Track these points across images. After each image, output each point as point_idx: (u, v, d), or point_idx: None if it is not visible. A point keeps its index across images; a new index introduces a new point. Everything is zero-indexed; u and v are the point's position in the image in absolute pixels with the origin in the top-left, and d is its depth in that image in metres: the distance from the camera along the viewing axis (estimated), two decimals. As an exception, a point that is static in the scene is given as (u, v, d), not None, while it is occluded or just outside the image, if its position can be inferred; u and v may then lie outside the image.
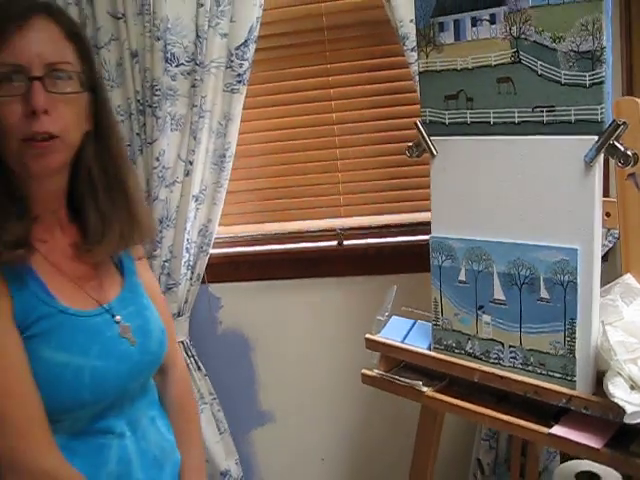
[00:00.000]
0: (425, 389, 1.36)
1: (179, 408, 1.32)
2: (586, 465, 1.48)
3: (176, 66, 1.81)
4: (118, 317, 1.16)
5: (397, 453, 2.07)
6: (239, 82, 1.82)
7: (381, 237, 2.05)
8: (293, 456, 2.24)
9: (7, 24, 1.00)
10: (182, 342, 2.01)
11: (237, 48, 1.79)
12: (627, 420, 1.05)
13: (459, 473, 2.03)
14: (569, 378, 1.19)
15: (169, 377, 1.35)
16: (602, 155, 1.12)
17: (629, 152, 1.09)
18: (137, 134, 1.86)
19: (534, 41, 1.15)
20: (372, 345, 1.47)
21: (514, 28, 1.16)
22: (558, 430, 1.17)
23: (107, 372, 1.10)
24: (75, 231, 1.19)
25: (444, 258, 1.33)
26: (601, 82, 1.09)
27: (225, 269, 2.11)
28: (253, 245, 2.13)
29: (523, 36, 1.16)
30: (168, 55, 1.80)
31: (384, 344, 1.44)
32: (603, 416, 1.14)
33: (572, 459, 1.53)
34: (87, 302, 1.13)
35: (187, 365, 2.01)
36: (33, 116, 1.01)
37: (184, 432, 1.30)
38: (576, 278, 1.15)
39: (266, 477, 2.28)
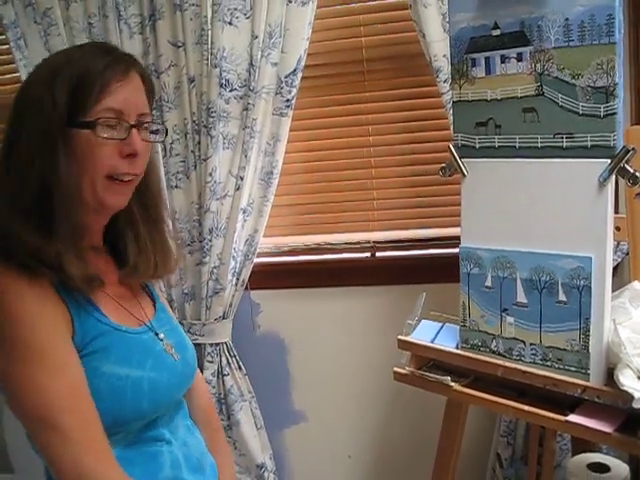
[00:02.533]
0: (453, 384, 1.47)
1: (206, 419, 1.36)
2: (596, 457, 1.57)
3: (230, 91, 1.96)
4: (162, 335, 1.20)
5: (419, 451, 2.15)
6: (287, 107, 1.95)
7: (411, 250, 2.15)
8: (322, 453, 2.32)
9: (113, 75, 1.07)
10: (225, 343, 2.14)
11: (286, 76, 1.93)
12: (635, 405, 1.17)
13: (479, 467, 2.11)
14: (583, 371, 1.29)
15: (195, 390, 1.37)
16: (614, 176, 1.24)
17: (637, 174, 1.22)
18: (192, 151, 2.01)
19: (556, 77, 1.27)
20: (404, 345, 1.56)
21: (538, 65, 1.29)
22: (574, 418, 1.29)
23: (161, 383, 1.13)
24: (110, 260, 1.23)
25: (472, 266, 1.43)
26: (614, 113, 1.22)
27: (265, 277, 2.21)
28: (292, 255, 2.25)
29: (546, 72, 1.28)
30: (223, 81, 1.95)
31: (415, 344, 1.54)
32: (614, 404, 1.26)
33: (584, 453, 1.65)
34: (132, 321, 1.16)
35: (229, 365, 2.15)
36: (129, 158, 1.09)
37: (215, 441, 1.33)
38: (590, 283, 1.26)
39: (296, 472, 2.36)
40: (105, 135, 1.06)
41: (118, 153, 1.08)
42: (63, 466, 1.00)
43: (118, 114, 1.07)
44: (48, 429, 0.99)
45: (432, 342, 1.54)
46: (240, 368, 2.18)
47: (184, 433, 1.22)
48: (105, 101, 1.06)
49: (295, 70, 1.93)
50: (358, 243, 2.20)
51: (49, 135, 1.03)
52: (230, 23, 1.92)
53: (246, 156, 1.97)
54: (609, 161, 1.24)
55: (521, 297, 1.38)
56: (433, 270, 2.07)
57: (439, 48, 1.81)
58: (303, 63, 1.94)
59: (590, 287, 1.27)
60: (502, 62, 1.35)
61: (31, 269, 1.02)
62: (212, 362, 2.14)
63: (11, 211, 1.04)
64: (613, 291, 1.34)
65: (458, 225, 1.48)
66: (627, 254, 1.50)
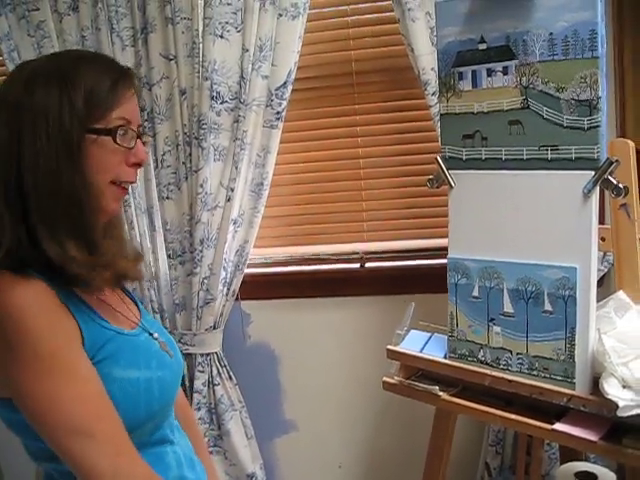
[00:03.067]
0: (441, 394, 1.48)
1: (183, 415, 1.35)
2: (584, 466, 1.60)
3: (221, 103, 1.98)
4: (156, 334, 1.21)
5: (409, 460, 2.16)
6: (277, 119, 1.97)
7: (400, 260, 2.17)
8: (312, 462, 2.33)
9: (124, 86, 1.09)
10: (215, 353, 2.15)
11: (277, 89, 1.95)
12: (619, 413, 1.19)
13: (468, 476, 2.11)
14: (569, 380, 1.31)
15: None
16: (598, 188, 1.26)
17: (621, 185, 1.24)
18: (183, 163, 2.03)
19: (541, 90, 1.30)
20: (393, 355, 1.58)
21: (524, 79, 1.32)
22: (560, 426, 1.31)
23: (167, 381, 1.15)
24: None
25: (460, 276, 1.45)
26: (597, 126, 1.24)
27: (256, 287, 2.22)
28: (282, 266, 2.26)
29: (531, 86, 1.31)
30: (214, 93, 1.96)
31: (404, 354, 1.56)
32: (599, 412, 1.28)
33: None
34: (127, 323, 1.16)
35: (220, 374, 2.16)
36: (134, 167, 1.12)
37: (193, 437, 1.33)
38: (576, 293, 1.29)
39: (287, 482, 2.37)
40: (124, 143, 1.08)
41: (124, 161, 1.10)
42: (98, 470, 0.99)
43: (127, 123, 1.09)
44: (83, 437, 0.99)
45: (421, 352, 1.56)
46: (230, 378, 2.18)
47: (177, 431, 1.23)
48: (119, 110, 1.07)
49: (285, 83, 1.95)
50: (348, 254, 2.22)
51: (72, 140, 1.03)
52: (221, 36, 1.94)
53: (237, 168, 1.99)
54: (593, 173, 1.26)
55: (508, 307, 1.40)
56: (422, 280, 2.08)
57: (427, 61, 1.83)
58: (293, 76, 1.96)
59: (575, 297, 1.30)
60: (488, 75, 1.37)
61: (37, 278, 1.01)
62: (203, 372, 2.14)
63: (41, 222, 1.02)
64: (600, 301, 1.36)
65: (446, 236, 1.49)
66: (613, 264, 1.52)
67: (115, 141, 1.07)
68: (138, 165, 1.13)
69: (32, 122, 1.02)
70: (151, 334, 1.20)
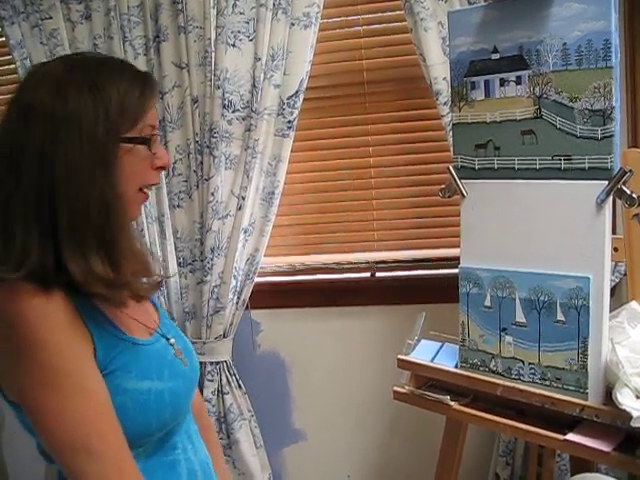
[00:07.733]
0: (452, 403, 1.49)
1: (199, 418, 1.34)
2: (595, 477, 1.58)
3: (233, 112, 1.99)
4: (172, 340, 1.20)
5: (418, 470, 2.16)
6: (289, 128, 1.98)
7: (411, 270, 2.17)
8: (321, 472, 2.32)
9: (152, 93, 1.10)
10: (225, 361, 2.15)
11: (289, 98, 1.95)
12: (634, 424, 1.19)
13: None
14: (582, 390, 1.31)
15: None
16: (611, 197, 1.26)
17: (634, 195, 1.25)
18: (194, 171, 2.03)
19: (554, 100, 1.30)
20: (404, 365, 1.58)
21: (537, 88, 1.32)
22: (572, 437, 1.31)
23: (179, 391, 1.14)
24: None
25: (471, 286, 1.46)
26: (611, 136, 1.25)
27: (266, 296, 2.23)
28: (292, 275, 2.26)
29: (544, 96, 1.32)
30: (226, 102, 1.97)
31: (415, 363, 1.56)
32: (612, 423, 1.27)
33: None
34: (144, 331, 1.16)
35: (229, 383, 2.15)
36: (159, 170, 1.14)
37: (208, 441, 1.33)
38: (588, 302, 1.29)
39: (295, 492, 2.36)
40: (153, 150, 1.09)
41: (150, 166, 1.11)
42: None
43: (153, 129, 1.10)
44: (84, 455, 0.99)
45: (432, 361, 1.56)
46: (240, 387, 2.18)
47: (195, 438, 1.23)
48: (147, 118, 1.08)
49: (297, 92, 1.96)
50: (358, 263, 2.22)
51: (107, 150, 1.03)
52: (233, 45, 1.95)
53: (248, 176, 1.99)
54: (606, 183, 1.26)
55: (520, 317, 1.40)
56: (433, 290, 2.08)
57: (439, 71, 1.83)
58: (305, 85, 1.97)
59: (588, 307, 1.30)
60: (501, 85, 1.38)
61: (57, 290, 1.01)
62: (212, 380, 2.14)
63: (72, 237, 1.01)
64: (611, 311, 1.36)
65: (458, 245, 1.50)
66: (625, 275, 1.51)
67: (150, 149, 1.08)
68: (162, 168, 1.14)
69: (66, 132, 1.01)
70: (168, 339, 1.20)
